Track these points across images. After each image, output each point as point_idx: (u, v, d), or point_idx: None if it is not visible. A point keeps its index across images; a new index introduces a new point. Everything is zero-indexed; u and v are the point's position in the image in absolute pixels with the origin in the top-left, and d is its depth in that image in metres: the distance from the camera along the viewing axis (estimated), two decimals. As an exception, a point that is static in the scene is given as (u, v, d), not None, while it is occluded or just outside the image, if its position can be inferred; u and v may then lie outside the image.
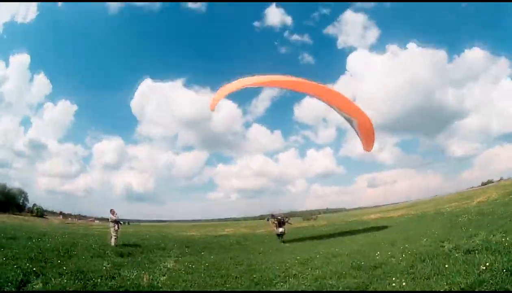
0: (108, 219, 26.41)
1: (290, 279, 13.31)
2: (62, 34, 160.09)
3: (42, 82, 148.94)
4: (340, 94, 30.84)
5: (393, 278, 11.64)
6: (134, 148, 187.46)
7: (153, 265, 16.89)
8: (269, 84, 33.75)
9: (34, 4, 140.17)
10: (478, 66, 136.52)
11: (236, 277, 14.20)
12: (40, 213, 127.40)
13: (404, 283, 11.01)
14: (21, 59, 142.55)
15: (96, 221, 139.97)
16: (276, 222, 33.62)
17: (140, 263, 17.36)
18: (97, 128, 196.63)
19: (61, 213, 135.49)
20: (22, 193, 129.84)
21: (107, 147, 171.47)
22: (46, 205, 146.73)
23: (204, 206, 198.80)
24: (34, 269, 13.38)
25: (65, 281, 12.30)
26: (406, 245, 17.60)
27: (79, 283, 12.25)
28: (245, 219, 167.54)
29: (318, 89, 30.98)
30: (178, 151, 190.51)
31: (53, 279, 12.39)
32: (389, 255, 15.50)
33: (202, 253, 23.15)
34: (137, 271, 14.67)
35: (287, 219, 34.85)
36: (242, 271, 15.35)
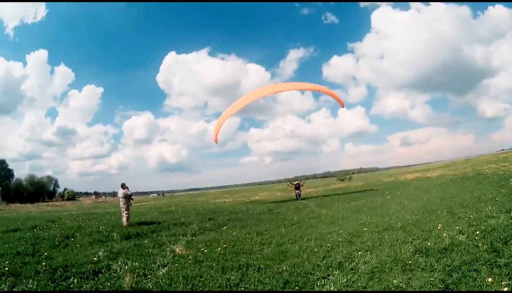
0: (117, 195, 24.26)
1: (334, 272, 9.49)
2: (76, 23, 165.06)
3: (63, 73, 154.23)
4: (307, 84, 44.04)
5: (485, 273, 8.02)
6: (164, 120, 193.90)
7: (158, 250, 13.87)
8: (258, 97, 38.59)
9: (42, 3, 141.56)
10: (503, 24, 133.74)
11: (259, 268, 10.40)
12: (72, 196, 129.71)
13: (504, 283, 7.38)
14: (38, 56, 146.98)
15: (133, 196, 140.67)
16: (293, 186, 43.40)
17: (142, 248, 14.39)
18: (125, 107, 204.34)
19: (95, 193, 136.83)
20: (52, 180, 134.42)
21: (137, 122, 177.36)
22: (79, 188, 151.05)
23: (238, 171, 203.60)
24: (7, 268, 11.26)
25: (36, 282, 9.93)
26: (470, 215, 14.48)
27: (50, 285, 9.86)
28: (280, 181, 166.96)
29: (293, 86, 44.28)
30: (209, 119, 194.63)
31: (24, 280, 10.15)
32: (457, 231, 12.07)
33: (225, 227, 19.92)
34: (132, 262, 11.84)
35: (302, 183, 44.74)
36: (268, 257, 11.64)
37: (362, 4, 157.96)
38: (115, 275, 10.49)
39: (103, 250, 13.98)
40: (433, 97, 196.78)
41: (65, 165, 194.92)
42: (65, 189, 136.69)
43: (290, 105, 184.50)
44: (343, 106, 41.34)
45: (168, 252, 13.20)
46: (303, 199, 40.96)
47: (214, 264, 10.96)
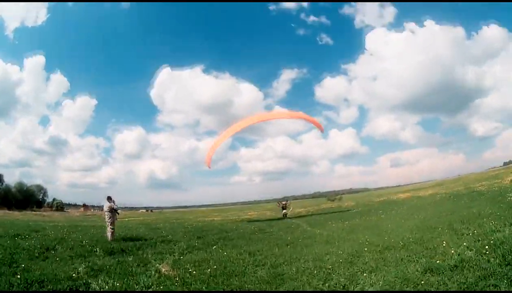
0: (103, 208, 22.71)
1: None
2: (75, 32, 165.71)
3: (59, 81, 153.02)
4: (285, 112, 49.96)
5: (505, 287, 7.80)
6: (155, 136, 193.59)
7: (143, 269, 12.83)
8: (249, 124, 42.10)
9: (44, 7, 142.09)
10: (497, 44, 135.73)
11: (253, 294, 9.59)
12: (60, 206, 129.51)
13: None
14: (36, 61, 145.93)
15: (119, 210, 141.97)
16: (280, 206, 47.36)
17: (126, 266, 13.30)
18: (117, 120, 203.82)
19: (84, 205, 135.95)
20: (41, 189, 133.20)
21: (129, 137, 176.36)
22: (68, 199, 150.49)
23: (228, 190, 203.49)
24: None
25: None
26: (474, 231, 14.06)
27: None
28: (268, 201, 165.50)
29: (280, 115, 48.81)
30: (200, 137, 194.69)
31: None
32: (464, 247, 11.54)
33: (214, 247, 18.66)
34: (113, 281, 10.83)
35: (289, 204, 48.15)
36: (263, 280, 10.73)
37: (357, 25, 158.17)
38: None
39: (83, 265, 13.03)
40: (424, 118, 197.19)
41: (56, 175, 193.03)
42: (53, 199, 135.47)
43: (281, 126, 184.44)
44: (322, 131, 49.47)
45: (153, 272, 12.20)
46: (290, 217, 42.94)
47: (203, 287, 10.07)
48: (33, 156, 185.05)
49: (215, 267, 12.62)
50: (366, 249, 13.95)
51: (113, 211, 20.98)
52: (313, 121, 43.55)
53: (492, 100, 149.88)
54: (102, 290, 10.07)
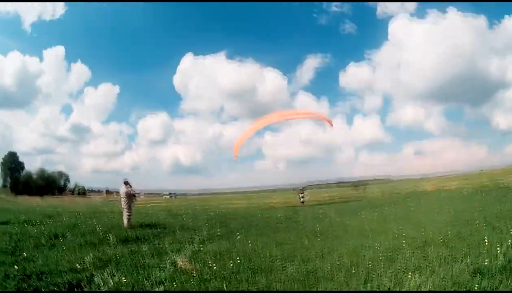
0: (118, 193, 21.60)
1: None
2: (95, 22, 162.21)
3: (80, 70, 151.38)
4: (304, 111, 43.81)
5: None
6: (180, 122, 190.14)
7: (157, 261, 11.49)
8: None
9: (60, 2, 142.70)
10: None
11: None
12: (82, 191, 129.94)
13: None
14: (56, 52, 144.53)
15: (142, 196, 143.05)
16: (298, 194, 50.09)
17: (138, 257, 12.02)
18: (141, 106, 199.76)
19: (106, 191, 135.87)
20: (62, 175, 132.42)
21: (152, 123, 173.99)
22: (91, 185, 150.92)
23: (252, 176, 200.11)
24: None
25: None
26: None
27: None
28: (293, 188, 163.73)
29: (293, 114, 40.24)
30: (224, 123, 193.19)
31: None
32: (509, 246, 10.54)
33: (238, 236, 17.09)
34: (120, 275, 9.54)
35: (306, 191, 51.78)
36: (294, 278, 9.22)
37: (379, 15, 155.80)
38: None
39: (91, 255, 11.72)
40: (448, 108, 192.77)
41: (78, 162, 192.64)
42: (75, 185, 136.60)
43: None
44: (332, 125, 41.24)
45: (168, 265, 10.78)
46: (311, 205, 44.92)
47: (224, 286, 8.63)
48: (56, 143, 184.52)
49: (238, 260, 11.05)
50: (404, 244, 12.64)
51: (130, 196, 19.69)
52: (322, 117, 40.82)
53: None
54: (106, 284, 8.88)
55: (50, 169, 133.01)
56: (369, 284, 8.41)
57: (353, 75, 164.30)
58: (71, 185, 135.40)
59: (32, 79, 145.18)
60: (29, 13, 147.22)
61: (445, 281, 8.19)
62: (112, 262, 11.06)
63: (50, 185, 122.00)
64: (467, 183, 52.43)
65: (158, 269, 10.28)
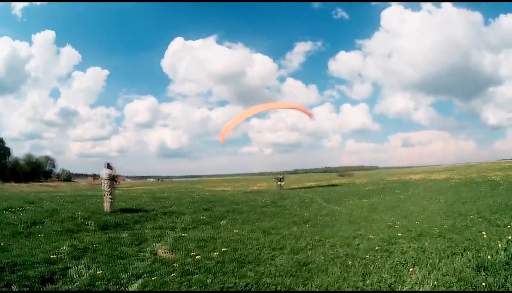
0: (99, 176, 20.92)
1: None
2: (85, 6, 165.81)
3: (70, 54, 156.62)
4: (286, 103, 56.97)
5: None
6: (167, 105, 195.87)
7: (136, 249, 10.79)
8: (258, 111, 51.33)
9: None
10: None
11: (276, 293, 7.53)
12: (68, 176, 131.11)
13: None
14: (45, 36, 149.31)
15: (128, 179, 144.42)
16: (277, 179, 53.99)
17: (117, 245, 11.30)
18: (129, 90, 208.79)
19: (93, 175, 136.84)
20: (49, 160, 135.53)
21: (140, 106, 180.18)
22: (78, 170, 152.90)
23: (238, 160, 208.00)
24: None
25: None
26: (510, 223, 13.01)
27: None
28: (279, 173, 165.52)
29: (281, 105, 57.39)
30: (212, 107, 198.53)
31: None
32: (509, 240, 10.04)
33: (223, 222, 16.83)
34: (96, 266, 8.88)
35: (282, 177, 53.32)
36: (285, 270, 8.53)
37: (373, 1, 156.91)
38: (68, 286, 7.76)
39: (68, 243, 11.11)
40: (438, 100, 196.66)
41: (66, 146, 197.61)
42: (62, 170, 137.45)
43: (294, 98, 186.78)
44: (310, 116, 49.97)
45: (148, 254, 10.13)
46: (286, 189, 47.35)
47: (208, 280, 7.86)
48: (44, 128, 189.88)
49: (223, 249, 10.60)
50: (399, 234, 12.32)
51: (112, 178, 18.90)
52: (303, 109, 48.74)
53: (507, 90, 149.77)
54: (80, 277, 8.11)
55: (38, 154, 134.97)
56: (368, 280, 7.75)
57: (343, 62, 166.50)
58: (57, 170, 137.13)
59: (22, 64, 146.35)
60: None
61: (448, 276, 7.63)
62: (89, 251, 10.37)
63: (36, 170, 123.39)
64: (454, 175, 53.14)
65: (137, 258, 9.63)
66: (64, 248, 10.48)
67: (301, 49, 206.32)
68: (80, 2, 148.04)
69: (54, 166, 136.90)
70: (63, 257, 9.62)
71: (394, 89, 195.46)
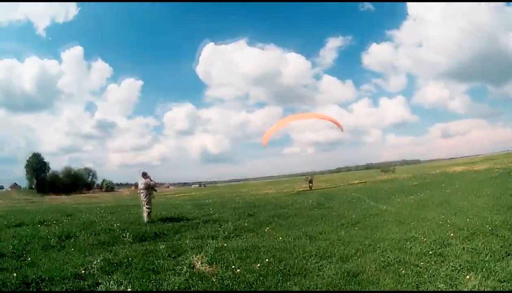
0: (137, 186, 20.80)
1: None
2: (110, 19, 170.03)
3: (101, 68, 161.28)
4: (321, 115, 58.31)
5: None
6: (205, 111, 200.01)
7: (173, 263, 10.11)
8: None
9: (73, 2, 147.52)
10: None
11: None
12: (110, 187, 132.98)
13: None
14: (73, 53, 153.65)
15: (171, 187, 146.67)
16: (307, 180, 58.09)
17: (153, 258, 10.70)
18: (165, 99, 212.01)
19: (135, 184, 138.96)
20: (89, 171, 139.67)
21: (178, 114, 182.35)
22: (120, 179, 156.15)
23: (281, 161, 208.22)
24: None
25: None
26: None
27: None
28: (322, 172, 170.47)
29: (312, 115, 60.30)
30: (251, 109, 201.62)
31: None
32: None
33: (267, 228, 16.13)
34: (128, 282, 8.40)
35: (313, 178, 58.88)
36: (333, 283, 7.88)
37: None
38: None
39: (101, 257, 10.68)
40: (472, 87, 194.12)
41: (106, 158, 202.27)
42: (103, 180, 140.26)
43: (331, 95, 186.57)
44: (342, 130, 53.14)
45: (185, 267, 9.48)
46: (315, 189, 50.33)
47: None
48: (82, 141, 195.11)
49: (267, 260, 9.89)
50: (451, 234, 11.66)
51: (149, 188, 18.48)
52: (333, 121, 51.70)
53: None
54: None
55: (78, 166, 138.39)
56: (421, 289, 7.23)
57: (376, 55, 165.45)
58: (98, 181, 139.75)
59: (53, 81, 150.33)
60: (41, 18, 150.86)
61: (505, 282, 7.19)
62: (123, 265, 9.92)
63: (76, 182, 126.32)
64: (495, 164, 52.68)
65: (173, 273, 9.06)
66: (96, 262, 10.11)
67: (333, 45, 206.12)
68: (103, 14, 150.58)
69: (95, 177, 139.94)
70: (94, 272, 9.27)
71: (427, 79, 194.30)
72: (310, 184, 56.75)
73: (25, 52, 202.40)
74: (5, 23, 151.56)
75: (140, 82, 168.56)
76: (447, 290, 7.09)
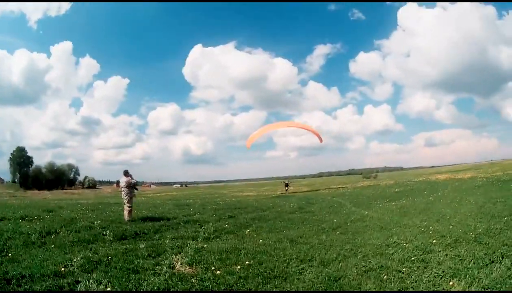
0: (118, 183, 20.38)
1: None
2: (101, 16, 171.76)
3: (89, 64, 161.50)
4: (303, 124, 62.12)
5: None
6: (190, 112, 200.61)
7: (153, 262, 9.96)
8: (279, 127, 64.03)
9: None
10: None
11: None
12: (92, 184, 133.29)
13: None
14: (63, 47, 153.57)
15: (152, 186, 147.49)
16: (284, 184, 60.57)
17: (132, 257, 10.58)
18: (151, 98, 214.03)
19: (117, 182, 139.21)
20: (72, 168, 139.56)
21: (163, 114, 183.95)
22: (102, 177, 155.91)
23: (263, 165, 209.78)
24: None
25: None
26: None
27: None
28: (304, 176, 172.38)
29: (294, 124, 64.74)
30: (235, 112, 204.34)
31: None
32: None
33: (248, 230, 16.03)
34: (107, 282, 8.26)
35: (290, 183, 61.63)
36: (314, 287, 7.90)
37: (388, 0, 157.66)
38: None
39: (81, 255, 10.52)
40: (459, 97, 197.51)
41: (89, 154, 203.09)
42: (85, 177, 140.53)
43: (316, 101, 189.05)
44: (321, 141, 56.34)
45: (165, 268, 9.34)
46: (291, 193, 52.25)
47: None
48: (66, 137, 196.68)
49: (247, 262, 9.86)
50: (434, 241, 11.68)
51: (131, 187, 18.34)
52: (312, 130, 55.86)
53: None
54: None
55: (61, 162, 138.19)
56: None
57: (363, 63, 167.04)
58: (81, 178, 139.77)
59: (41, 75, 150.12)
60: (34, 11, 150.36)
61: (489, 289, 7.28)
62: (102, 264, 9.76)
63: (59, 178, 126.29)
64: (479, 174, 52.51)
65: (152, 273, 8.92)
66: (76, 260, 9.94)
67: (320, 52, 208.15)
68: (95, 11, 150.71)
69: (77, 174, 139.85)
70: (74, 270, 9.11)
71: (414, 89, 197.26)
72: (286, 188, 58.95)
73: (15, 44, 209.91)
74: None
75: (127, 81, 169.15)
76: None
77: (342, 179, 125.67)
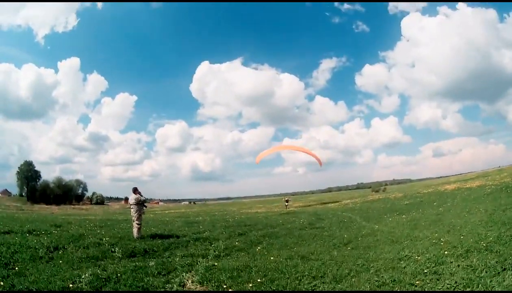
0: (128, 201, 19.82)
1: None
2: (108, 33, 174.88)
3: (96, 80, 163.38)
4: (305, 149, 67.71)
5: None
6: (198, 129, 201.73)
7: (163, 280, 9.85)
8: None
9: (72, 12, 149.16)
10: None
11: None
12: (100, 200, 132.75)
13: None
14: (70, 63, 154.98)
15: (161, 203, 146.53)
16: (285, 201, 63.09)
17: (142, 275, 10.40)
18: (158, 115, 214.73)
19: (125, 199, 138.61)
20: (80, 183, 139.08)
21: (171, 131, 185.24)
22: (110, 193, 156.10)
23: (272, 181, 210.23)
24: None
25: None
26: None
27: None
28: (313, 192, 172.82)
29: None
30: (243, 129, 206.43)
31: None
32: None
33: (259, 247, 15.86)
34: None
35: (289, 199, 65.01)
36: None
37: (391, 11, 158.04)
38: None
39: (90, 271, 10.37)
40: (464, 105, 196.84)
41: (97, 170, 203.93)
42: (93, 193, 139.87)
43: (323, 116, 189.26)
44: (321, 165, 59.50)
45: (175, 286, 9.29)
46: (292, 210, 52.72)
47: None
48: (74, 153, 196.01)
49: (259, 280, 9.75)
50: (446, 252, 11.63)
51: (140, 204, 18.21)
52: (313, 155, 60.37)
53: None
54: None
55: (69, 178, 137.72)
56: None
57: (369, 76, 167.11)
58: (89, 193, 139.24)
59: (48, 90, 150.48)
60: (41, 26, 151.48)
61: None
62: (111, 281, 9.64)
63: (67, 193, 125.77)
64: (488, 181, 50.73)
65: (163, 291, 8.92)
66: (85, 276, 9.83)
67: (326, 66, 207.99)
68: (102, 27, 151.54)
69: (85, 189, 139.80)
70: (82, 287, 9.04)
71: (420, 99, 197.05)
72: (286, 204, 61.27)
73: (22, 59, 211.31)
74: (5, 27, 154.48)
75: (134, 98, 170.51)
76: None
77: (351, 193, 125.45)
